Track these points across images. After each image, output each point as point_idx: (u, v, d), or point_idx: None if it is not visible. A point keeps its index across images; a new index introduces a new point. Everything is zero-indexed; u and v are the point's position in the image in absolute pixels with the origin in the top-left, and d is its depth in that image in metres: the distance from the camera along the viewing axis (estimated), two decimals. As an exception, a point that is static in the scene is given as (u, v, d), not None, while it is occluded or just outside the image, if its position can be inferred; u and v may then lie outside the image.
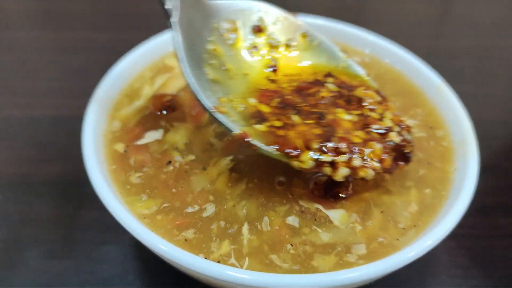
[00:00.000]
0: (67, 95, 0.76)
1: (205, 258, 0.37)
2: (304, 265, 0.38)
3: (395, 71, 0.57)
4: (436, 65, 0.63)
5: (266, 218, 0.41)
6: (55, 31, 0.93)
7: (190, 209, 0.41)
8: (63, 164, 0.64)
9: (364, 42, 0.60)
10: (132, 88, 0.53)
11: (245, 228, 0.40)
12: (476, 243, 0.57)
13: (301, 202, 0.42)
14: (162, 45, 0.58)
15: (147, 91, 0.52)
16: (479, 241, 0.57)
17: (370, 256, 0.38)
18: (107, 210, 0.56)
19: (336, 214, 0.41)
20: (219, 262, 0.37)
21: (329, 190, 0.42)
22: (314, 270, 0.37)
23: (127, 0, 1.05)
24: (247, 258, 0.38)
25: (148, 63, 0.56)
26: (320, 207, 0.42)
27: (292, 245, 0.39)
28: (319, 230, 0.40)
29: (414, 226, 0.41)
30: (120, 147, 0.46)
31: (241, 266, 0.37)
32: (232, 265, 0.37)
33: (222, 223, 0.40)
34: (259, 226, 0.40)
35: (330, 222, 0.41)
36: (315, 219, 0.41)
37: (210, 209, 0.41)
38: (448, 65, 0.87)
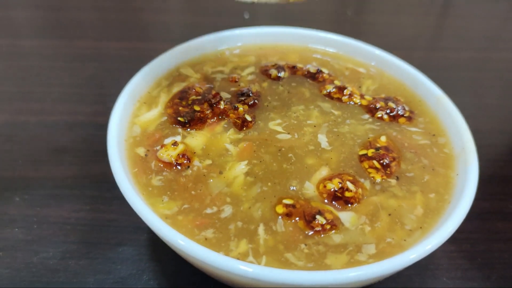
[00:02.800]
0: (80, 101, 0.79)
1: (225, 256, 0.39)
2: (318, 263, 0.40)
3: (397, 82, 0.61)
4: (432, 77, 0.66)
5: (280, 219, 0.43)
6: (68, 40, 0.96)
7: (209, 210, 0.44)
8: (78, 169, 0.66)
9: (370, 55, 0.63)
10: (150, 95, 0.56)
11: (260, 229, 0.42)
12: (475, 246, 0.60)
13: (313, 205, 0.45)
14: (177, 55, 0.60)
15: (164, 99, 0.55)
16: (478, 244, 0.60)
17: (380, 255, 0.41)
18: (122, 212, 0.59)
19: (347, 217, 0.44)
20: (238, 259, 0.39)
21: (338, 197, 0.45)
22: (328, 268, 0.40)
23: (137, 10, 1.08)
24: (264, 256, 0.40)
25: (164, 72, 0.59)
26: (332, 209, 0.45)
27: (306, 245, 0.42)
28: (332, 231, 0.43)
29: (420, 228, 0.44)
30: (141, 151, 0.49)
31: (259, 264, 0.39)
32: (251, 262, 0.39)
33: (239, 223, 0.43)
34: (273, 227, 0.43)
35: (342, 224, 0.44)
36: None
37: (227, 210, 0.44)
38: (444, 76, 0.90)
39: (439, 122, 0.55)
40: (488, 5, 1.22)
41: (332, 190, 0.45)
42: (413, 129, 0.54)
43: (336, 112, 0.55)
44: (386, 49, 0.64)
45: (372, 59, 0.63)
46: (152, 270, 0.55)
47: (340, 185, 0.46)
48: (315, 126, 0.53)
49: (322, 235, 0.42)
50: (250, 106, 0.55)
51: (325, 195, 0.45)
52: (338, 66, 0.63)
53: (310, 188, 0.46)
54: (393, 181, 0.48)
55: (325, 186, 0.46)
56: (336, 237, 0.42)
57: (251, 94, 0.56)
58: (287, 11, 1.13)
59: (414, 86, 0.59)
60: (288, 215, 0.43)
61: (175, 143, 0.49)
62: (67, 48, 0.93)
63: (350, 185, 0.46)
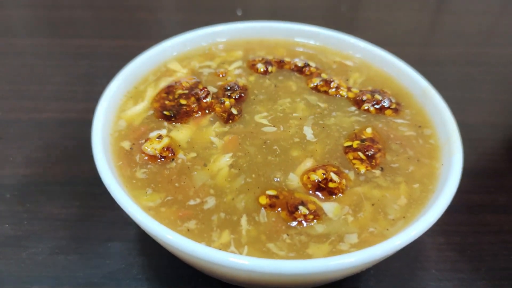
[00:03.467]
0: (73, 99, 0.79)
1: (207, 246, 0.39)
2: (300, 253, 0.40)
3: (385, 74, 0.61)
4: (425, 71, 0.66)
5: (263, 210, 0.43)
6: (61, 38, 0.96)
7: (192, 202, 0.44)
8: (70, 165, 0.66)
9: (357, 48, 0.63)
10: (136, 90, 0.56)
11: (243, 220, 0.43)
12: (464, 238, 0.60)
13: (297, 195, 0.45)
14: (164, 50, 0.61)
15: (151, 93, 0.55)
16: (467, 237, 0.60)
17: (362, 245, 0.41)
18: (112, 208, 0.59)
19: (330, 207, 0.44)
20: (220, 250, 0.39)
21: (322, 188, 0.45)
22: (309, 257, 0.40)
23: (130, 9, 1.09)
24: (246, 247, 0.40)
25: (151, 67, 0.59)
26: (315, 200, 0.45)
27: (288, 235, 0.42)
28: (314, 221, 0.43)
29: (403, 217, 0.44)
30: (126, 144, 0.49)
31: (241, 254, 0.40)
32: (232, 252, 0.39)
33: (222, 214, 0.43)
34: (256, 218, 0.43)
35: (325, 214, 0.44)
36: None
37: (210, 202, 0.44)
38: (437, 71, 0.91)
39: (425, 114, 0.55)
40: (482, 1, 1.22)
41: (316, 181, 0.46)
42: (399, 120, 0.54)
43: (322, 105, 0.56)
44: (380, 45, 0.64)
45: (358, 52, 0.63)
46: (141, 264, 0.55)
47: (324, 176, 0.46)
48: (301, 118, 0.53)
49: (305, 225, 0.42)
50: (236, 99, 0.55)
51: (309, 186, 0.45)
52: (325, 60, 0.63)
53: (294, 180, 0.46)
54: (377, 172, 0.48)
55: (309, 177, 0.46)
56: (318, 227, 0.42)
57: (237, 88, 0.56)
58: (281, 8, 1.13)
59: (401, 78, 0.59)
60: (271, 206, 0.43)
61: (160, 137, 0.49)
62: (60, 47, 0.94)
63: (334, 176, 0.46)
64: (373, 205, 0.45)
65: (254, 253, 0.40)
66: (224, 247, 0.40)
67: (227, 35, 0.65)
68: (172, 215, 0.43)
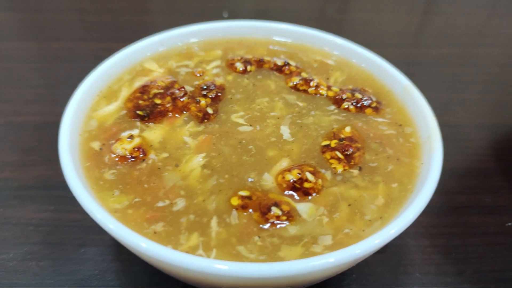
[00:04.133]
0: (52, 102, 0.77)
1: (174, 249, 0.37)
2: (271, 255, 0.39)
3: (366, 73, 0.59)
4: (414, 72, 0.65)
5: (234, 212, 0.42)
6: (42, 41, 0.95)
7: (160, 204, 0.42)
8: (45, 169, 0.64)
9: (337, 46, 0.62)
10: (110, 90, 0.54)
11: (213, 221, 0.41)
12: (450, 241, 0.58)
13: (271, 196, 0.43)
14: (141, 49, 0.59)
15: (125, 93, 0.54)
16: (453, 239, 0.59)
17: (336, 246, 0.39)
18: (86, 212, 0.57)
19: (304, 208, 0.43)
20: (187, 253, 0.37)
21: (297, 188, 0.44)
22: (281, 260, 0.38)
23: (115, 12, 1.07)
24: (214, 250, 0.39)
25: (127, 67, 0.58)
26: (290, 200, 0.43)
27: (259, 237, 0.40)
28: (286, 222, 0.41)
29: (380, 218, 0.42)
30: (95, 145, 0.47)
31: (208, 257, 0.38)
32: (200, 255, 0.38)
33: (192, 216, 0.41)
34: (227, 220, 0.41)
35: (299, 215, 0.42)
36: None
37: (180, 203, 0.42)
38: (425, 72, 0.90)
39: (406, 112, 0.54)
40: (469, 3, 1.21)
41: (290, 181, 0.44)
42: (380, 119, 0.53)
43: (301, 104, 0.54)
44: (368, 46, 0.63)
45: (338, 50, 0.62)
46: (115, 270, 0.53)
47: (299, 176, 0.44)
48: (278, 117, 0.52)
49: (278, 227, 0.41)
50: (212, 99, 0.53)
51: (284, 186, 0.44)
52: (306, 59, 0.62)
53: (268, 180, 0.45)
54: (355, 172, 0.46)
55: (284, 177, 0.44)
56: (291, 229, 0.41)
57: (213, 88, 0.54)
58: (268, 10, 1.13)
59: (382, 76, 0.58)
60: (243, 207, 0.42)
61: (131, 137, 0.47)
62: (41, 50, 0.92)
63: (309, 176, 0.44)
64: (349, 205, 0.43)
65: (223, 256, 0.38)
66: (192, 250, 0.38)
67: (206, 34, 0.63)
68: (139, 217, 0.41)
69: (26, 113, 0.75)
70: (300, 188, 0.44)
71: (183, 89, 0.53)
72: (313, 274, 0.35)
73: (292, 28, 0.64)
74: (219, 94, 0.54)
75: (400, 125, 0.52)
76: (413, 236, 0.59)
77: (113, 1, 1.12)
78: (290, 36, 0.64)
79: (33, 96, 0.79)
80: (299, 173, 0.44)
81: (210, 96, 0.53)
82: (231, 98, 0.54)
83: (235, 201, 0.42)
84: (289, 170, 0.45)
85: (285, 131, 0.50)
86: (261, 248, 0.39)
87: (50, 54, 0.91)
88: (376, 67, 0.58)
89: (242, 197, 0.42)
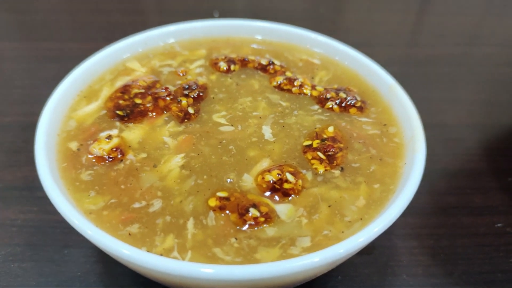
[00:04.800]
0: (39, 102, 0.76)
1: (147, 251, 0.37)
2: (247, 257, 0.38)
3: (351, 72, 0.59)
4: (408, 72, 0.64)
5: (211, 213, 0.41)
6: (30, 42, 0.94)
7: (137, 205, 0.41)
8: (30, 170, 0.64)
9: (323, 45, 0.62)
10: (91, 89, 0.54)
11: (190, 223, 0.40)
12: (438, 242, 0.57)
13: (249, 197, 0.42)
14: (123, 48, 0.59)
15: (106, 93, 0.53)
16: (441, 240, 0.58)
17: (314, 248, 0.39)
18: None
19: (283, 209, 0.42)
20: (161, 255, 0.37)
21: (276, 189, 0.43)
22: (257, 262, 0.37)
23: (106, 12, 1.07)
24: (189, 252, 0.38)
25: (109, 66, 0.57)
26: (269, 202, 0.42)
27: (236, 239, 0.39)
28: (264, 224, 0.40)
29: (360, 219, 0.41)
30: (73, 145, 0.47)
31: (183, 259, 0.37)
32: (174, 258, 0.37)
33: (168, 218, 0.40)
34: (204, 221, 0.40)
35: (277, 216, 0.41)
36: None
37: (157, 205, 0.41)
38: (418, 71, 0.89)
39: (391, 112, 0.53)
40: (463, 3, 1.20)
41: (270, 181, 0.43)
42: (364, 119, 0.52)
43: (284, 104, 0.53)
44: (361, 46, 0.63)
45: (321, 48, 0.61)
46: (98, 272, 0.52)
47: (279, 177, 0.43)
48: (260, 117, 0.51)
49: (256, 229, 0.40)
50: (194, 98, 0.52)
51: (263, 187, 0.43)
52: (291, 58, 0.61)
53: (248, 180, 0.44)
54: (336, 172, 0.45)
55: (263, 178, 0.44)
56: (269, 230, 0.40)
57: (195, 87, 0.53)
58: (260, 10, 1.12)
59: (367, 75, 0.57)
60: (221, 208, 0.41)
61: (109, 137, 0.47)
62: (30, 50, 0.92)
63: (289, 177, 0.43)
64: (329, 206, 0.42)
65: (198, 258, 0.37)
66: (166, 253, 0.38)
67: (190, 33, 0.63)
68: (114, 218, 0.40)
69: (12, 113, 0.74)
70: (280, 189, 0.43)
71: (167, 89, 0.53)
72: (288, 276, 0.35)
73: (274, 26, 0.63)
74: (201, 94, 0.53)
75: (385, 124, 0.51)
76: (401, 237, 0.58)
77: (105, 1, 1.12)
78: (273, 34, 0.63)
79: (20, 96, 0.78)
80: (279, 174, 0.44)
81: (192, 96, 0.53)
82: (213, 98, 0.53)
83: (212, 202, 0.41)
84: (269, 170, 0.44)
85: (267, 131, 0.49)
86: (237, 250, 0.38)
87: (38, 55, 0.90)
88: (361, 66, 0.57)
89: (220, 198, 0.42)
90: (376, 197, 0.43)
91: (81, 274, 0.52)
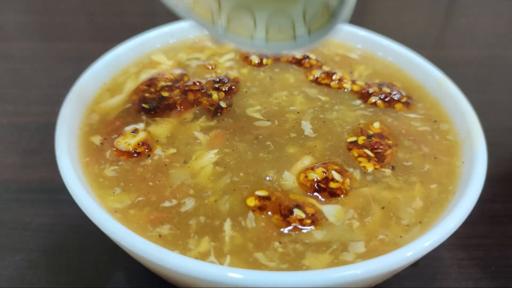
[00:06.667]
0: (56, 102, 0.73)
1: (181, 255, 0.32)
2: (294, 264, 0.33)
3: (393, 66, 0.54)
4: None
5: (251, 214, 0.36)
6: (50, 42, 0.92)
7: (167, 204, 0.37)
8: (47, 171, 0.60)
9: (361, 40, 0.58)
10: (115, 82, 0.50)
11: (227, 224, 0.36)
12: (488, 253, 0.52)
13: (292, 197, 0.38)
14: (148, 41, 0.55)
15: (131, 86, 0.49)
16: (491, 250, 0.53)
17: (370, 254, 0.34)
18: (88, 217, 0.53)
19: (331, 210, 0.37)
20: (197, 259, 0.32)
21: (321, 189, 0.39)
22: (306, 269, 0.33)
23: (123, 14, 1.05)
24: (228, 256, 0.33)
25: (133, 59, 0.53)
26: (314, 202, 0.38)
27: (280, 243, 0.35)
28: (311, 227, 0.36)
29: (420, 222, 0.37)
30: (96, 139, 0.43)
31: (222, 264, 0.33)
32: (212, 262, 0.33)
33: (202, 218, 0.36)
34: (243, 222, 0.36)
35: (325, 218, 0.37)
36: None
37: (189, 204, 0.37)
38: (451, 73, 0.85)
39: (441, 107, 0.48)
40: (495, 4, 1.16)
41: (314, 180, 0.39)
42: (412, 115, 0.48)
43: (323, 98, 0.49)
44: None
45: (362, 43, 0.57)
46: (118, 280, 0.48)
47: (324, 175, 0.39)
48: (298, 112, 0.47)
49: (302, 232, 0.35)
50: (226, 92, 0.49)
51: (307, 186, 0.39)
52: (327, 52, 0.57)
53: (289, 179, 0.40)
54: (387, 171, 0.41)
55: (306, 176, 0.39)
56: (317, 234, 0.35)
57: (227, 80, 0.50)
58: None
59: (412, 70, 0.53)
60: (261, 208, 0.37)
61: (135, 131, 0.43)
62: (48, 50, 0.90)
63: (335, 175, 0.39)
64: (383, 208, 0.38)
65: (238, 264, 0.33)
66: (202, 257, 0.33)
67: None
68: (142, 218, 0.36)
69: (29, 113, 0.71)
70: (326, 189, 0.38)
71: (197, 83, 0.49)
72: (349, 284, 0.30)
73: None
74: (233, 87, 0.49)
75: (435, 121, 0.47)
76: (447, 247, 0.53)
77: (123, 3, 1.10)
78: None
79: (37, 96, 0.76)
80: (324, 172, 0.39)
81: (223, 90, 0.49)
82: (246, 92, 0.50)
83: (251, 202, 0.37)
84: (312, 168, 0.40)
85: (307, 127, 0.45)
86: (282, 256, 0.34)
87: (56, 55, 0.88)
88: (405, 60, 0.53)
89: (260, 198, 0.37)
90: (434, 199, 0.39)
91: (100, 282, 0.48)
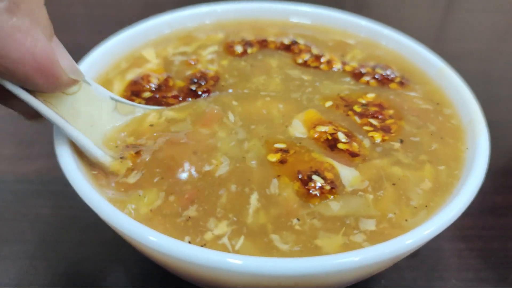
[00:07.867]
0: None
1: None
2: (307, 245, 0.33)
3: (395, 53, 0.54)
4: None
5: (275, 180, 0.36)
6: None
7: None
8: (44, 162, 0.60)
9: (360, 28, 0.58)
10: (107, 77, 0.49)
11: (253, 198, 0.36)
12: (488, 244, 0.53)
13: (312, 155, 0.38)
14: (144, 31, 0.55)
15: (118, 87, 0.48)
16: (492, 242, 0.53)
17: (377, 238, 0.34)
18: (86, 209, 0.52)
19: (348, 175, 0.37)
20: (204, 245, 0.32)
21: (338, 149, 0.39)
22: (318, 250, 0.33)
23: (123, 6, 1.04)
24: (242, 237, 0.33)
25: (125, 52, 0.52)
26: (332, 162, 0.38)
27: (299, 220, 0.34)
28: (330, 196, 0.36)
29: (426, 206, 0.37)
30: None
31: (234, 247, 0.32)
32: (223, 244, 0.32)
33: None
34: (267, 191, 0.36)
35: (342, 185, 0.37)
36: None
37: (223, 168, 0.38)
38: (451, 67, 0.85)
39: (443, 93, 0.48)
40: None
41: (325, 132, 0.40)
42: (411, 93, 0.47)
43: (305, 77, 0.48)
44: None
45: (362, 31, 0.57)
46: (115, 271, 0.48)
47: (335, 131, 0.40)
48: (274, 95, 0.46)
49: (321, 202, 0.35)
50: (204, 92, 0.47)
51: (321, 141, 0.40)
52: (321, 38, 0.56)
53: (300, 128, 0.41)
54: (396, 144, 0.41)
55: (315, 128, 0.40)
56: (334, 205, 0.35)
57: (204, 83, 0.48)
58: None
59: (412, 57, 0.53)
60: (282, 162, 0.37)
61: None
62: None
63: (341, 136, 0.40)
64: (394, 184, 0.37)
65: (249, 247, 0.33)
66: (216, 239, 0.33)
67: (215, 16, 0.58)
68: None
69: (25, 105, 0.70)
70: (343, 150, 0.39)
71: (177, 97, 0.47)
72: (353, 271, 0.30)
73: (310, 9, 0.59)
74: (211, 87, 0.48)
75: (438, 104, 0.47)
76: (447, 238, 0.53)
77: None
78: (309, 17, 0.59)
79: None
80: (335, 128, 0.40)
81: (202, 91, 0.47)
82: (223, 86, 0.48)
83: (272, 157, 0.38)
84: (320, 124, 0.41)
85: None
86: (298, 236, 0.34)
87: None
88: (405, 49, 0.53)
89: (278, 150, 0.38)
90: (442, 181, 0.39)
91: (98, 274, 0.48)
